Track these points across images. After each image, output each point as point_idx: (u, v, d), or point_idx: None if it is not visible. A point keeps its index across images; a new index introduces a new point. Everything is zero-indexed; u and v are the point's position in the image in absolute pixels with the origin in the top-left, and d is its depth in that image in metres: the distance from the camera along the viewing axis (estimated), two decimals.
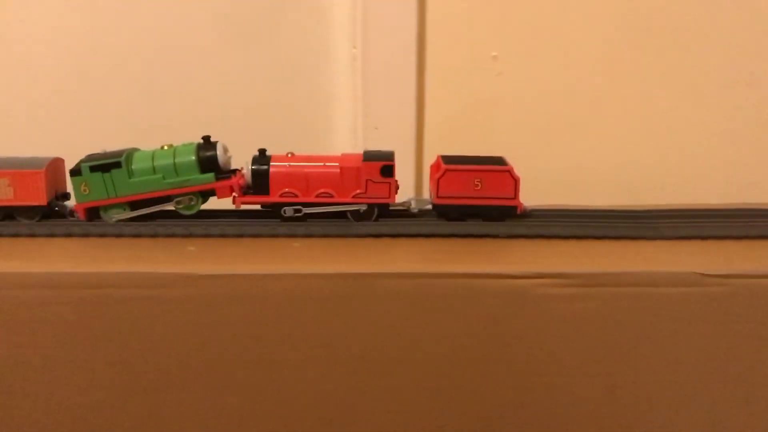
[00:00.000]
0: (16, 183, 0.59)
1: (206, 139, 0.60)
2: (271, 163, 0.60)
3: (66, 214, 0.62)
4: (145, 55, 0.84)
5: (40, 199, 0.60)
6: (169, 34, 0.83)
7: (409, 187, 0.80)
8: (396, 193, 0.61)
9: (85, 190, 0.60)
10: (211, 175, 0.59)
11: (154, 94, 0.84)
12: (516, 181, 0.60)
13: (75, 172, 0.59)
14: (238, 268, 0.52)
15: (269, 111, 0.85)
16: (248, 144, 0.61)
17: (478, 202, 0.61)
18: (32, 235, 0.59)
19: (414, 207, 0.63)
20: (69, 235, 0.60)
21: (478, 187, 0.61)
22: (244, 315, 0.52)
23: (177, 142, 0.61)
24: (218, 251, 0.56)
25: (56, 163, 0.61)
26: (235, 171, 0.61)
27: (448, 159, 0.61)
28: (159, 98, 0.84)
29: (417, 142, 0.83)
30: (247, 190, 0.61)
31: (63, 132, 0.84)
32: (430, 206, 0.62)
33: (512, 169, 0.60)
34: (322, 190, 0.61)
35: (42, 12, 0.82)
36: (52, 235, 0.59)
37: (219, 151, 0.59)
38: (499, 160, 0.61)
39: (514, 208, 0.61)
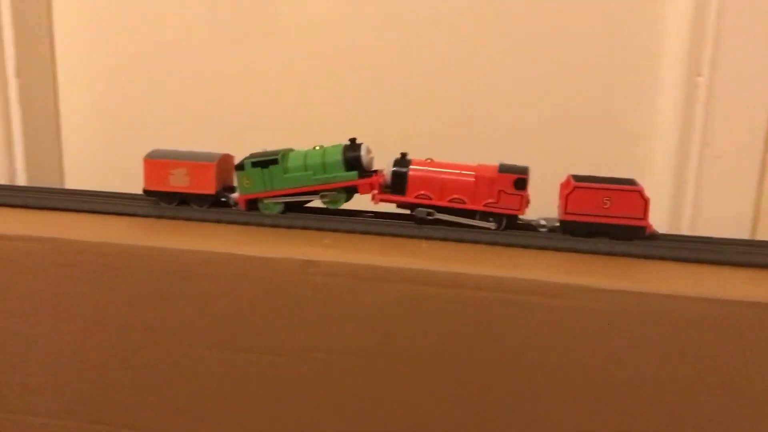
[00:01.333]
0: (191, 173, 0.67)
1: (352, 141, 0.66)
2: (411, 166, 0.65)
3: (231, 204, 0.69)
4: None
5: (210, 189, 0.67)
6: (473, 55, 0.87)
7: (747, 219, 0.79)
8: (527, 206, 0.64)
9: (246, 184, 0.67)
10: (354, 173, 0.65)
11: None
12: (646, 201, 0.61)
13: (239, 167, 0.67)
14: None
15: (577, 136, 0.86)
16: (549, 170, 0.66)
17: (606, 221, 0.62)
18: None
19: (543, 223, 0.65)
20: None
21: (607, 206, 0.62)
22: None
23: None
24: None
25: (226, 159, 0.69)
26: (376, 171, 0.66)
27: (578, 177, 0.63)
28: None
29: (761, 173, 0.81)
30: (386, 189, 0.66)
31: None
32: (557, 223, 0.64)
33: (642, 189, 0.61)
34: (455, 196, 0.64)
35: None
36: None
37: (363, 152, 0.65)
38: (630, 181, 0.62)
39: (643, 228, 0.62)
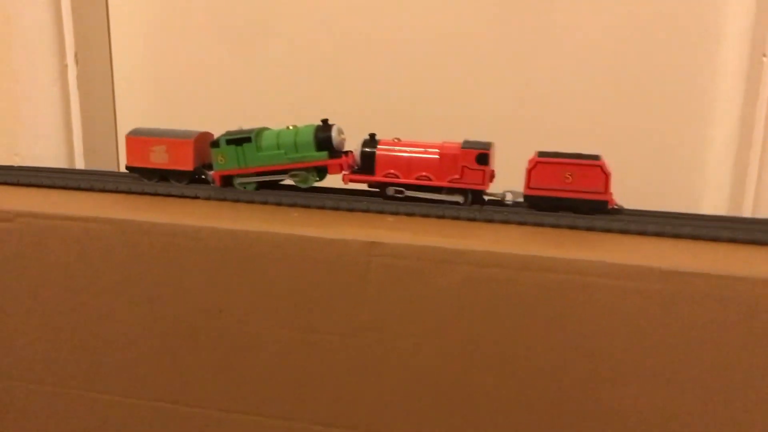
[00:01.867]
0: (170, 150, 0.70)
1: (324, 122, 0.67)
2: (378, 146, 0.66)
3: (210, 181, 0.71)
4: None
5: (188, 165, 0.70)
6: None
7: None
8: (490, 181, 0.65)
9: (221, 160, 0.69)
10: (324, 153, 0.67)
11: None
12: (607, 176, 0.62)
13: (214, 144, 0.69)
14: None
15: (639, 116, 0.86)
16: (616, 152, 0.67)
17: (568, 195, 0.63)
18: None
19: (508, 198, 0.66)
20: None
21: (569, 180, 0.63)
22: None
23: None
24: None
25: (205, 136, 0.71)
26: (347, 152, 0.68)
27: (543, 153, 0.64)
28: None
29: None
30: (355, 170, 0.67)
31: None
32: (521, 198, 0.65)
33: (604, 164, 0.62)
34: (421, 173, 0.66)
35: None
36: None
37: (334, 133, 0.67)
38: (594, 157, 0.63)
39: (605, 202, 0.62)
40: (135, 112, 0.99)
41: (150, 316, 0.62)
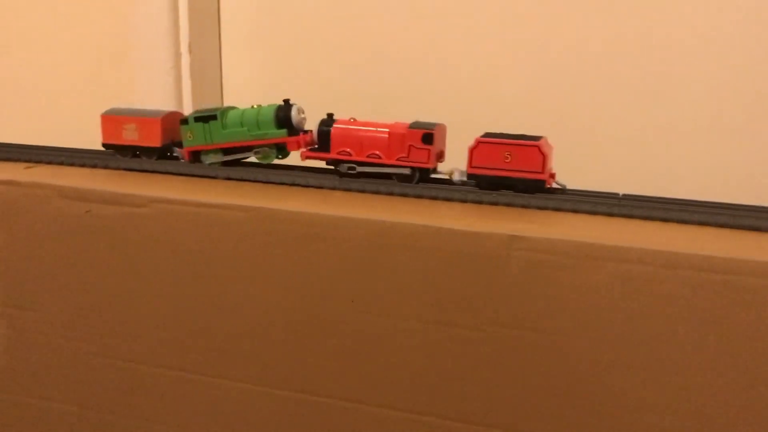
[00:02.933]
0: (140, 128, 0.74)
1: (286, 101, 0.71)
2: (334, 126, 0.70)
3: (180, 157, 0.76)
4: None
5: (156, 142, 0.74)
6: None
7: None
8: (437, 160, 0.69)
9: (189, 137, 0.74)
10: (284, 131, 0.71)
11: None
12: (544, 156, 0.65)
13: (183, 121, 0.74)
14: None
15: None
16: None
17: (507, 174, 0.66)
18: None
19: (456, 177, 0.70)
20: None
21: (508, 160, 0.66)
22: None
23: None
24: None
25: (173, 115, 0.76)
26: (307, 131, 0.72)
27: (487, 134, 0.67)
28: None
29: None
30: (313, 148, 0.71)
31: None
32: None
33: (542, 144, 0.65)
34: (372, 152, 0.69)
35: None
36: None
37: (293, 112, 0.71)
38: (536, 138, 0.66)
39: (542, 181, 0.65)
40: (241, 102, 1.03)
41: (280, 305, 0.63)
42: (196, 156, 0.75)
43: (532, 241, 0.56)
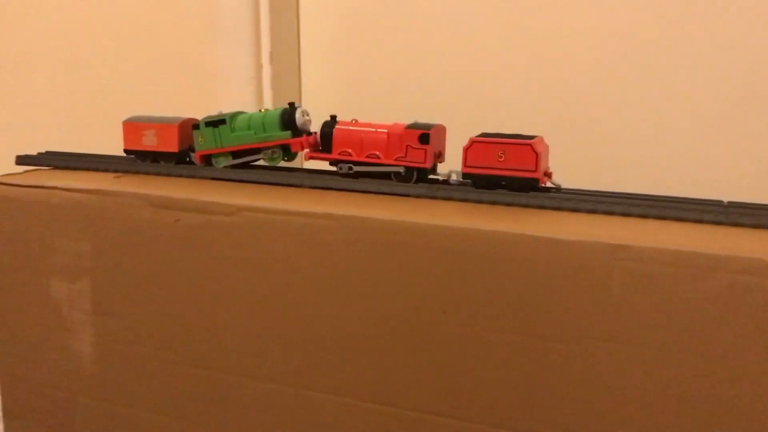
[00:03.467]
0: (158, 134, 0.79)
1: (291, 104, 0.74)
2: (336, 127, 0.72)
3: (193, 161, 0.79)
4: None
5: (173, 147, 0.78)
6: None
7: None
8: (434, 160, 0.70)
9: (201, 141, 0.77)
10: (288, 133, 0.73)
11: None
12: (537, 154, 0.65)
13: (195, 126, 0.77)
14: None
15: None
16: None
17: (501, 173, 0.66)
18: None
19: (453, 177, 0.71)
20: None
21: (502, 159, 0.66)
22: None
23: None
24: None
25: (190, 122, 0.79)
26: (311, 133, 0.74)
27: (483, 134, 0.68)
28: None
29: None
30: (316, 149, 0.74)
31: None
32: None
33: (535, 143, 0.65)
34: (371, 152, 0.71)
35: None
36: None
37: (297, 114, 0.73)
38: (531, 137, 0.66)
39: (536, 180, 0.66)
40: (319, 110, 1.05)
41: (368, 315, 0.62)
42: (207, 159, 0.78)
43: (636, 250, 0.54)
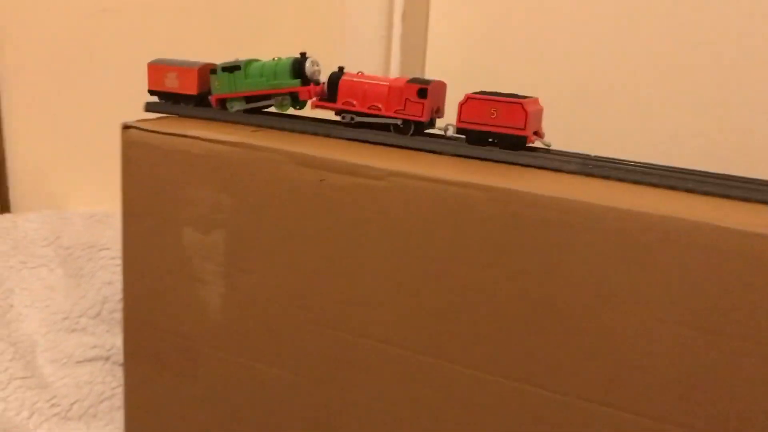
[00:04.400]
0: (179, 76, 0.81)
1: (302, 54, 0.78)
2: (342, 78, 0.76)
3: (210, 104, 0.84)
4: None
5: (193, 90, 0.82)
6: None
7: None
8: (431, 114, 0.73)
9: (217, 85, 0.81)
10: (297, 81, 0.77)
11: None
12: (527, 113, 0.67)
13: (213, 71, 0.81)
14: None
15: None
16: None
17: (492, 129, 0.69)
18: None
19: (449, 132, 0.74)
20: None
21: (494, 116, 0.69)
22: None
23: None
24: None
25: (209, 66, 0.83)
26: (319, 82, 0.79)
27: (479, 92, 0.71)
28: None
29: None
30: (323, 98, 0.78)
31: None
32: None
33: (526, 103, 0.68)
34: (372, 103, 0.74)
35: None
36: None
37: (307, 64, 0.77)
38: (526, 97, 0.69)
39: (524, 138, 0.69)
40: (443, 70, 1.02)
41: (519, 294, 0.60)
42: (222, 103, 0.82)
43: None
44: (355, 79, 0.75)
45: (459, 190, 0.60)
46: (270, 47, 1.07)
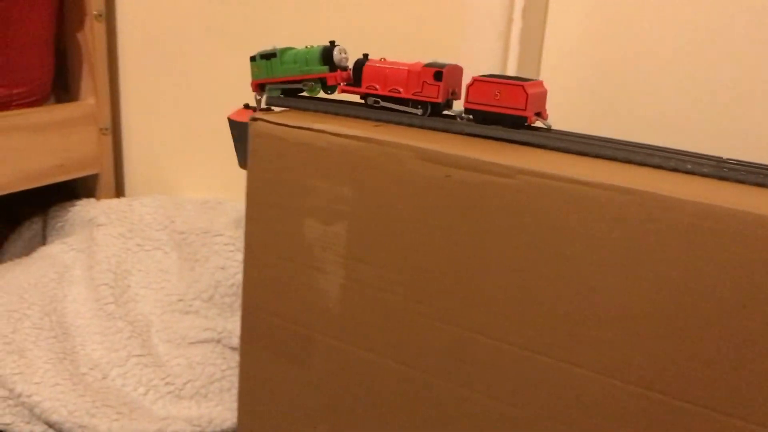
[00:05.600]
0: None
1: (331, 42, 0.82)
2: (366, 64, 0.80)
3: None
4: None
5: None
6: None
7: None
8: (446, 96, 0.77)
9: (256, 71, 0.87)
10: (326, 67, 0.82)
11: None
12: (527, 95, 0.71)
13: (252, 58, 0.87)
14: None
15: None
16: None
17: (495, 110, 0.73)
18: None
19: (461, 114, 0.78)
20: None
21: (497, 97, 0.72)
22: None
23: None
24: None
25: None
26: (346, 68, 0.83)
27: (488, 75, 0.75)
28: None
29: None
30: (349, 83, 0.82)
31: None
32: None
33: (527, 85, 0.71)
34: (393, 87, 0.79)
35: None
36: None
37: (335, 51, 0.81)
38: (530, 80, 0.73)
39: (524, 118, 0.72)
40: (558, 71, 1.02)
41: (655, 298, 0.59)
42: (261, 88, 0.87)
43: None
44: (377, 65, 0.79)
45: (593, 191, 0.59)
46: (390, 41, 1.10)
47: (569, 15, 1.00)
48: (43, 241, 1.34)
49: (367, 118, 0.78)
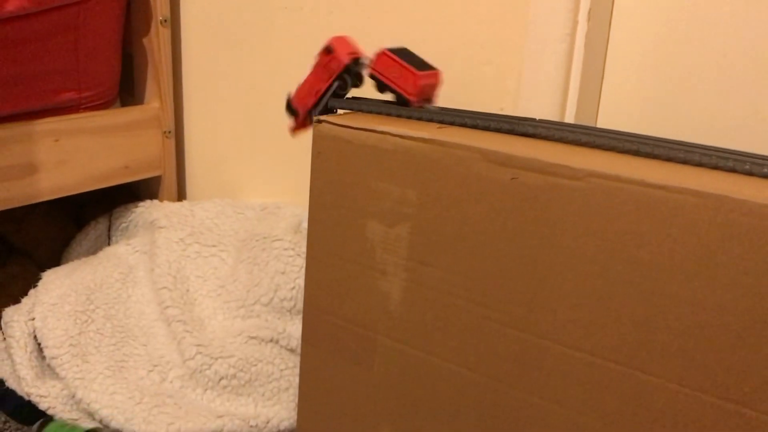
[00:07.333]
0: None
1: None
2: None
3: None
4: None
5: None
6: None
7: None
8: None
9: None
10: None
11: None
12: (416, 77, 0.77)
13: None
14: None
15: None
16: None
17: (390, 84, 0.79)
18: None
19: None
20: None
21: (395, 75, 0.79)
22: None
23: None
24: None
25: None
26: None
27: (397, 49, 0.80)
28: None
29: None
30: None
31: None
32: None
33: (423, 75, 0.77)
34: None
35: None
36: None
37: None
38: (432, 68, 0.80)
39: (409, 101, 0.79)
40: (623, 73, 1.01)
41: (723, 306, 0.57)
42: None
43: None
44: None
45: (666, 194, 0.58)
46: (443, 41, 1.09)
47: (634, 18, 0.98)
48: (108, 241, 1.37)
49: (430, 120, 0.77)
